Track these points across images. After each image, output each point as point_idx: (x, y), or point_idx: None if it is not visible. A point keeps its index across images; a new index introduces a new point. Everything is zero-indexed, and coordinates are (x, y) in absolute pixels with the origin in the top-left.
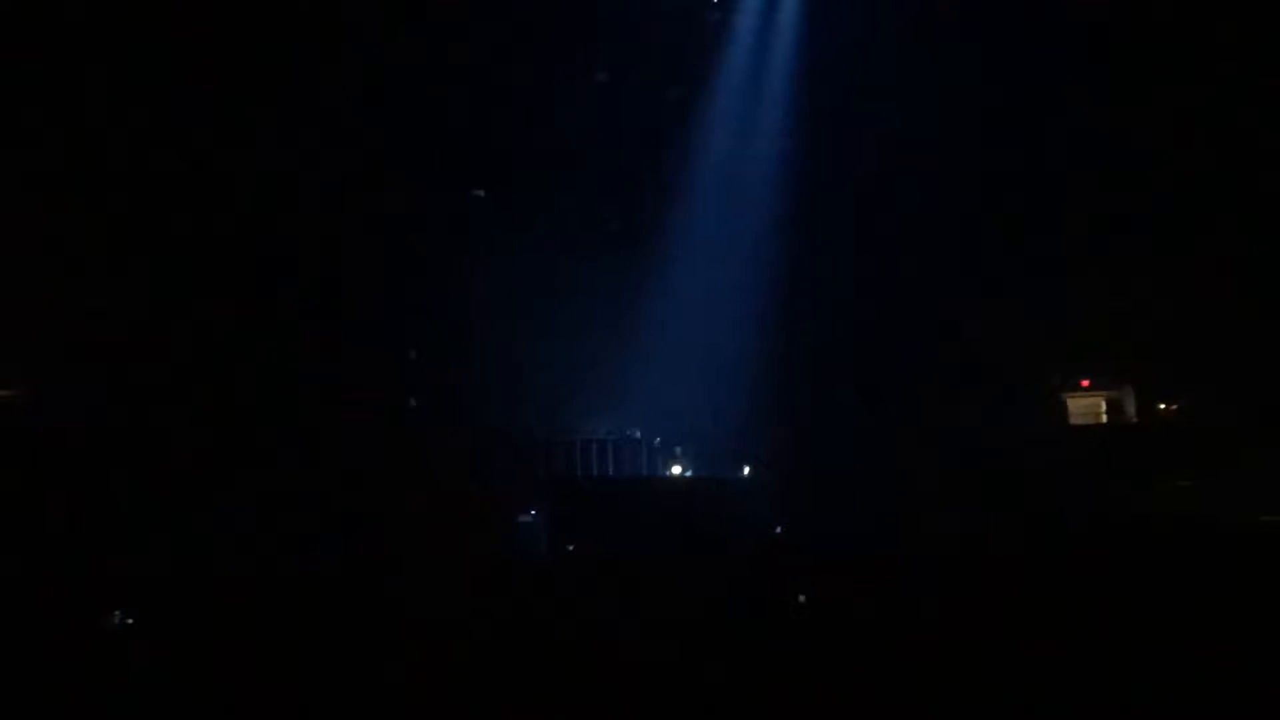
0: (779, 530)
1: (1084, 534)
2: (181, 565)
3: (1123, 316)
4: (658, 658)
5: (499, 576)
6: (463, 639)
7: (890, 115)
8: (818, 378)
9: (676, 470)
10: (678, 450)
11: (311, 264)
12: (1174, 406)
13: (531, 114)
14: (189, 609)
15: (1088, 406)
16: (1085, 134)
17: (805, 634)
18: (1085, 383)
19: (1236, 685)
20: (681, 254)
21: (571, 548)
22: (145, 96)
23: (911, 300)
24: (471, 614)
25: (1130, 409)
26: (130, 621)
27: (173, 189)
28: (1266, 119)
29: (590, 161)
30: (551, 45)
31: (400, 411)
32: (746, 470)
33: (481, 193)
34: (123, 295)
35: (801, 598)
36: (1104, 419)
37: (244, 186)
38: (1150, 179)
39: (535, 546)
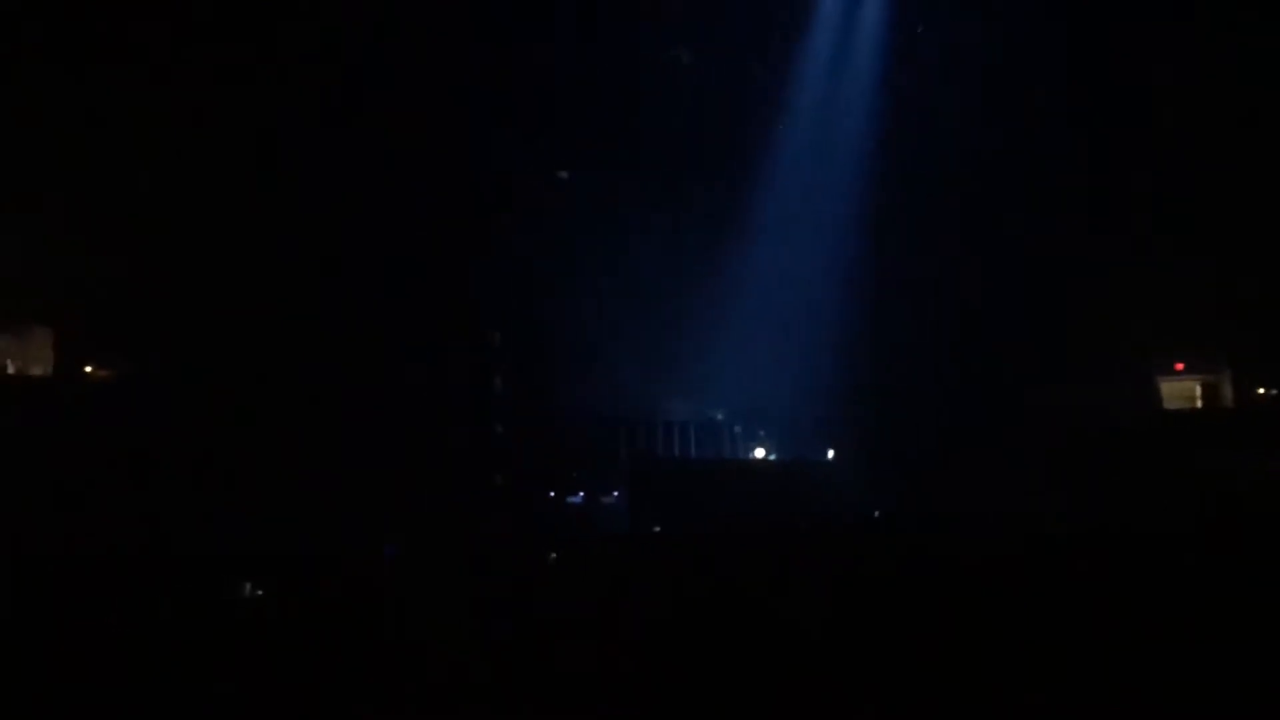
0: (876, 514)
1: (1176, 522)
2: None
3: (1221, 299)
4: (740, 641)
5: (583, 558)
6: (543, 619)
7: (982, 94)
8: (903, 360)
9: (759, 453)
10: (760, 433)
11: (391, 248)
12: (1273, 391)
13: (613, 94)
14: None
15: (1182, 390)
16: (1182, 115)
17: (901, 621)
18: (1179, 366)
19: None
20: (766, 235)
21: (657, 529)
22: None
23: (1003, 281)
24: (550, 593)
25: (1227, 393)
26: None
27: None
28: None
29: (672, 143)
30: (635, 25)
31: (484, 395)
32: (831, 454)
33: (565, 174)
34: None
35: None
36: (1199, 403)
37: (317, 163)
38: (1250, 163)
39: (618, 528)
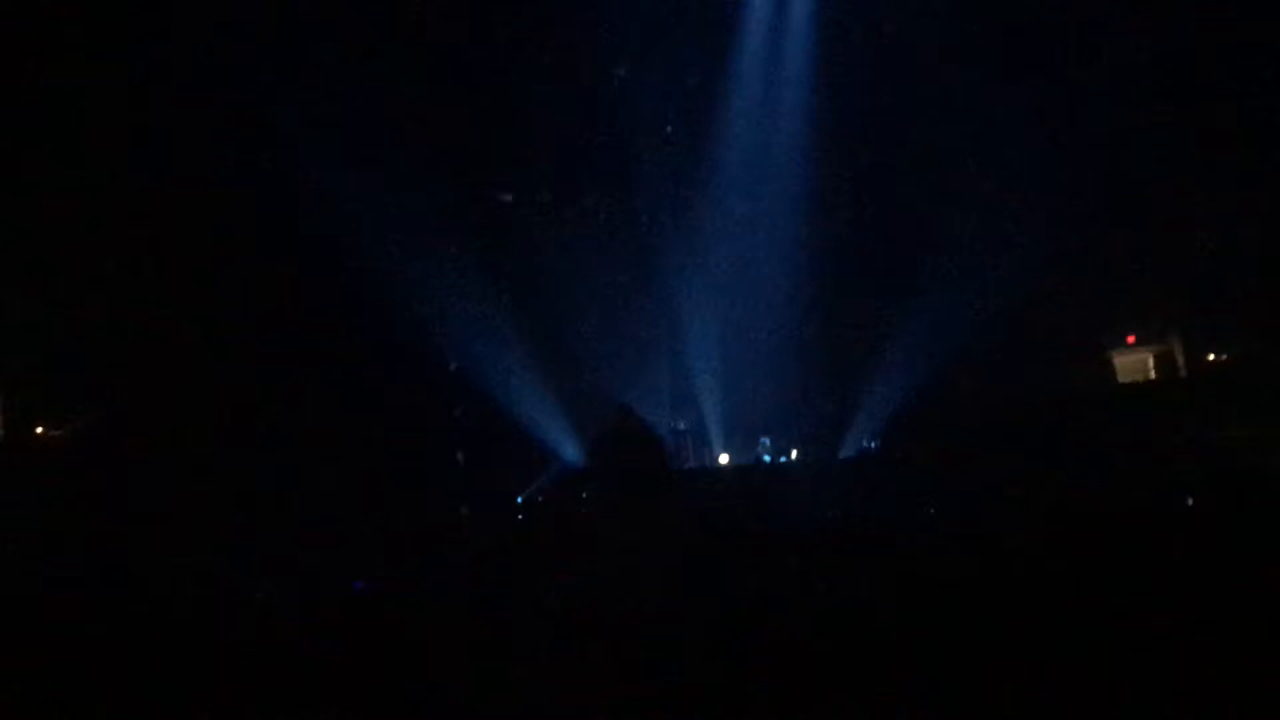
0: (836, 515)
1: (1144, 495)
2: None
3: (1167, 269)
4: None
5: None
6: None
7: (921, 84)
8: (862, 354)
9: (724, 460)
10: (726, 440)
11: (332, 273)
12: (1224, 357)
13: (550, 113)
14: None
15: (1135, 363)
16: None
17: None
18: (1131, 339)
19: None
20: (713, 243)
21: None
22: None
23: (953, 269)
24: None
25: (1180, 363)
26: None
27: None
28: None
29: (613, 158)
30: (567, 45)
31: (449, 423)
32: (795, 454)
33: (509, 198)
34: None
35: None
36: (1153, 375)
37: (255, 188)
38: (1189, 143)
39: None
